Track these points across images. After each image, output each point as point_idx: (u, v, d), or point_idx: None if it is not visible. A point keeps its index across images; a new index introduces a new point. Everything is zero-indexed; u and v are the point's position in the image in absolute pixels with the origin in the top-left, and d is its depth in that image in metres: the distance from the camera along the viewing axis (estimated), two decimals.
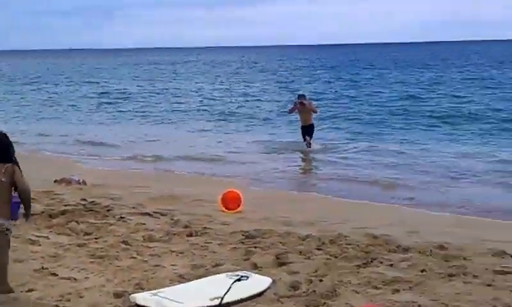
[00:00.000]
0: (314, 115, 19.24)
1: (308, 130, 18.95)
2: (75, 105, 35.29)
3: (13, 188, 5.94)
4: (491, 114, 26.58)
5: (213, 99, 37.38)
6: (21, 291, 6.10)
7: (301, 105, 18.77)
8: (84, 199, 10.76)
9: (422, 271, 6.90)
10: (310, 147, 18.69)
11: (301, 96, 19.32)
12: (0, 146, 5.98)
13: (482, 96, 34.11)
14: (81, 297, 6.02)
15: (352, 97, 36.27)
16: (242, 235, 8.59)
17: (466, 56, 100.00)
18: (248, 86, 47.56)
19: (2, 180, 5.87)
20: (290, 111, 19.71)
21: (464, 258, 7.47)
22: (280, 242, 8.19)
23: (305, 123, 18.98)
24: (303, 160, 18.30)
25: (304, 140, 18.84)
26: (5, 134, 6.14)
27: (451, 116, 26.24)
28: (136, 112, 31.62)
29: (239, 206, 10.60)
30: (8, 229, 5.91)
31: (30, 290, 6.17)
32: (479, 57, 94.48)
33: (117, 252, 7.55)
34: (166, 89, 46.41)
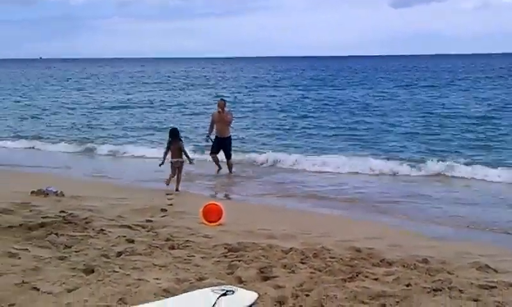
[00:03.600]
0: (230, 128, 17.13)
1: (224, 144, 16.83)
2: None
3: None
4: None
5: None
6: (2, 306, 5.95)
7: (218, 113, 16.71)
8: (63, 211, 10.60)
9: (407, 285, 6.87)
10: (231, 171, 16.89)
11: (221, 101, 17.18)
12: (177, 133, 14.65)
13: None
14: None
15: None
16: (225, 248, 8.50)
17: None
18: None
19: (179, 146, 14.45)
20: (211, 128, 17.08)
21: (449, 272, 7.48)
22: (263, 255, 8.11)
23: (221, 134, 16.82)
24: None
25: (213, 153, 16.88)
26: (176, 127, 15.32)
27: None
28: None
29: (220, 218, 10.52)
30: (182, 162, 14.48)
31: (11, 305, 6.01)
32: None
33: (98, 265, 7.39)
34: None
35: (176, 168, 14.47)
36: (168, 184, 14.34)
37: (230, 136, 17.04)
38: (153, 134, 27.07)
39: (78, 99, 47.83)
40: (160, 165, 14.48)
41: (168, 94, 53.10)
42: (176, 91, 56.74)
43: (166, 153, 14.55)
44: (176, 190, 14.28)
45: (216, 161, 17.05)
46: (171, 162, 14.49)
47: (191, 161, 14.72)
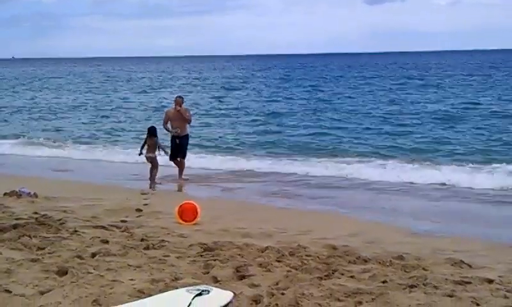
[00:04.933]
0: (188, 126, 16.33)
1: (180, 144, 16.03)
2: None
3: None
4: None
5: None
6: None
7: (177, 111, 15.95)
8: (36, 213, 10.44)
9: (383, 282, 6.86)
10: (181, 177, 16.17)
11: (179, 98, 16.25)
12: (153, 130, 15.81)
13: None
14: None
15: None
16: (201, 248, 8.44)
17: None
18: None
19: (154, 143, 15.65)
20: (166, 123, 16.19)
21: (424, 268, 7.50)
22: (239, 254, 8.06)
23: (179, 132, 16.00)
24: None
25: (174, 158, 16.14)
26: (153, 126, 16.21)
27: None
28: None
29: (195, 217, 10.46)
30: (153, 157, 15.80)
31: None
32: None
33: (72, 267, 7.28)
34: None
35: (150, 163, 15.95)
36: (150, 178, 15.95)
37: (187, 134, 16.35)
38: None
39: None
40: (139, 155, 16.13)
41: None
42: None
43: (142, 146, 16.02)
44: (150, 187, 15.45)
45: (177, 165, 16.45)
46: (145, 157, 16.04)
47: (166, 152, 16.07)
